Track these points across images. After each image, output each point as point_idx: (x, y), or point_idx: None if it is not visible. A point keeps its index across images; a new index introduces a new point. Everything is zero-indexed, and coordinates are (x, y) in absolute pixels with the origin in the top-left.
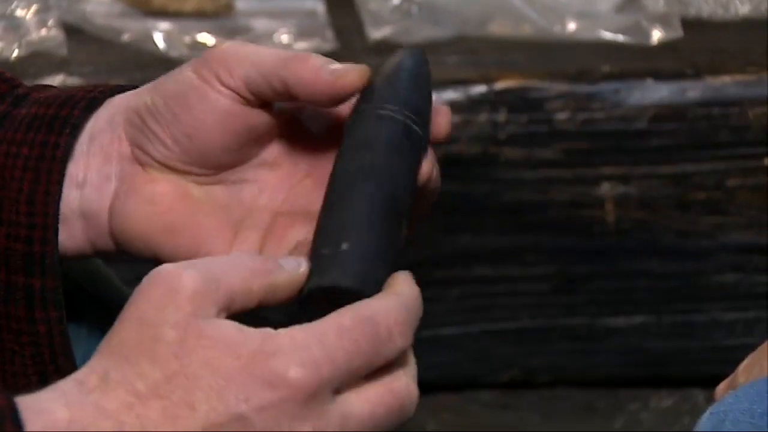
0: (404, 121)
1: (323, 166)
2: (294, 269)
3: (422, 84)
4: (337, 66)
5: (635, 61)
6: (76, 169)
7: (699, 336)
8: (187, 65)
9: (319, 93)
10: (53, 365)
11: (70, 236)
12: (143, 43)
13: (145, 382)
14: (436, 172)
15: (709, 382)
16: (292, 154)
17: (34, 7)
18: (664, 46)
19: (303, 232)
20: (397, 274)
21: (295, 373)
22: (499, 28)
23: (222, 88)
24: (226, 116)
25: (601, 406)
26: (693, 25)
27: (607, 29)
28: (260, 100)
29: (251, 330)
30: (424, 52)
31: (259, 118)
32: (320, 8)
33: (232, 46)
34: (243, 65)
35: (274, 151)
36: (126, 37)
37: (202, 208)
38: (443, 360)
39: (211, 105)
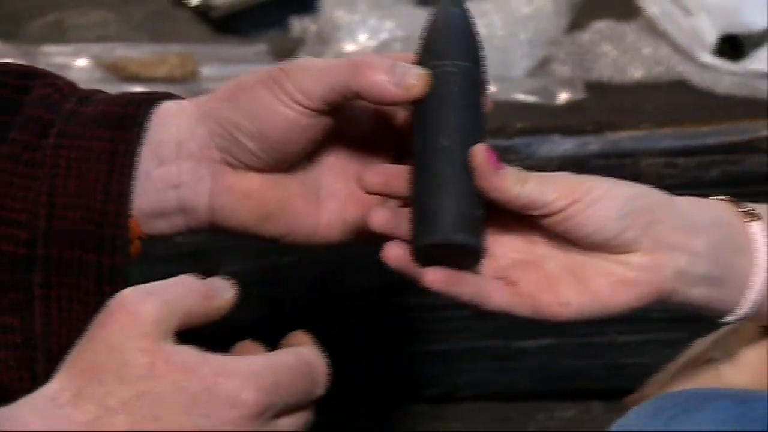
0: (468, 73)
1: (384, 137)
2: (227, 293)
3: (472, 31)
4: (401, 75)
5: (544, 119)
6: (168, 173)
7: (598, 355)
8: (257, 81)
9: (387, 101)
10: None
11: (170, 226)
12: None
13: (116, 398)
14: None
15: (606, 395)
16: (354, 132)
17: None
18: (570, 106)
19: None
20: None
21: (250, 395)
22: None
23: (297, 107)
24: (306, 129)
25: (515, 416)
26: (594, 88)
27: (520, 91)
28: (331, 107)
29: (209, 354)
30: (463, 1)
31: (330, 121)
32: None
33: (301, 64)
34: (317, 82)
35: (340, 137)
36: None
37: (290, 191)
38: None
39: (293, 123)
